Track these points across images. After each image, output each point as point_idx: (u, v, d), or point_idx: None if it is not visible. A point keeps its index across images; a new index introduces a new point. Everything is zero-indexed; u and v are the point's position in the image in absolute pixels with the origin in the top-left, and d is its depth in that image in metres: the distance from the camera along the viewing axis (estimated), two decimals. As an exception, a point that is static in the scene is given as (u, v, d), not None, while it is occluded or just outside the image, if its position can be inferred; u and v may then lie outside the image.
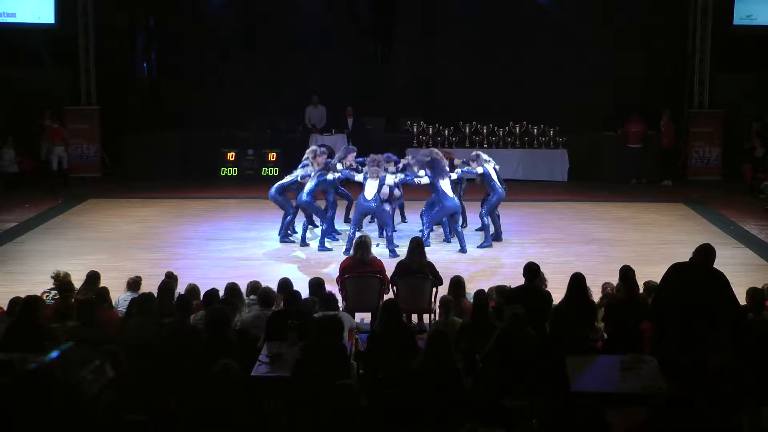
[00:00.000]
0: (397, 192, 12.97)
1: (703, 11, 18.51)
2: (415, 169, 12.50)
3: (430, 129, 18.20)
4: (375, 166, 12.20)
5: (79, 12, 18.48)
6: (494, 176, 12.70)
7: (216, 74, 19.27)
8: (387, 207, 12.50)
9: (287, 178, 12.93)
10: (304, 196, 12.53)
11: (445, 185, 12.18)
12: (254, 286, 8.61)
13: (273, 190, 12.90)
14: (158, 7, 19.74)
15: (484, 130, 18.31)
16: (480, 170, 12.65)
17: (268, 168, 18.30)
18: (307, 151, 13.06)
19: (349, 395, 5.21)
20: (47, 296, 8.62)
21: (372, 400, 5.89)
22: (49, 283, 8.96)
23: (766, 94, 18.41)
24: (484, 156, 12.82)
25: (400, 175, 12.51)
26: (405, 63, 20.05)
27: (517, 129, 18.33)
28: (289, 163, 18.22)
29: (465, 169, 12.77)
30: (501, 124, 18.30)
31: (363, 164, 12.70)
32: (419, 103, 19.12)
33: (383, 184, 12.15)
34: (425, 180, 12.31)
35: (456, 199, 12.32)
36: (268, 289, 8.17)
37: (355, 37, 19.64)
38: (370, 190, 12.12)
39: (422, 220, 12.52)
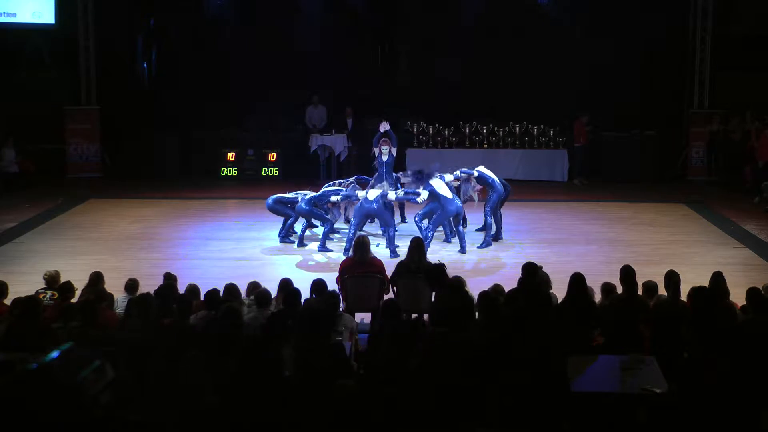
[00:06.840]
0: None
1: (703, 11, 18.50)
2: (413, 187, 12.68)
3: (430, 129, 18.20)
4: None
5: (79, 12, 18.48)
6: (491, 175, 12.79)
7: (216, 74, 19.25)
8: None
9: (288, 194, 12.85)
10: (303, 204, 12.52)
11: (442, 189, 12.18)
12: (254, 287, 8.60)
13: (270, 200, 12.84)
14: (158, 7, 19.73)
15: (484, 130, 18.32)
16: (475, 173, 12.72)
17: (268, 168, 18.31)
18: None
19: (349, 395, 5.21)
20: (44, 297, 8.60)
21: (372, 400, 5.88)
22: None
23: (766, 94, 18.39)
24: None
25: (401, 192, 12.62)
26: (405, 63, 20.04)
27: (517, 129, 18.33)
28: (289, 163, 18.38)
29: (462, 170, 12.80)
30: (501, 124, 18.31)
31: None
32: (419, 103, 19.11)
33: (385, 195, 12.29)
34: (425, 195, 12.29)
35: (457, 200, 12.31)
36: (264, 291, 8.18)
37: (355, 37, 19.63)
38: (373, 193, 12.21)
39: (418, 226, 12.36)
